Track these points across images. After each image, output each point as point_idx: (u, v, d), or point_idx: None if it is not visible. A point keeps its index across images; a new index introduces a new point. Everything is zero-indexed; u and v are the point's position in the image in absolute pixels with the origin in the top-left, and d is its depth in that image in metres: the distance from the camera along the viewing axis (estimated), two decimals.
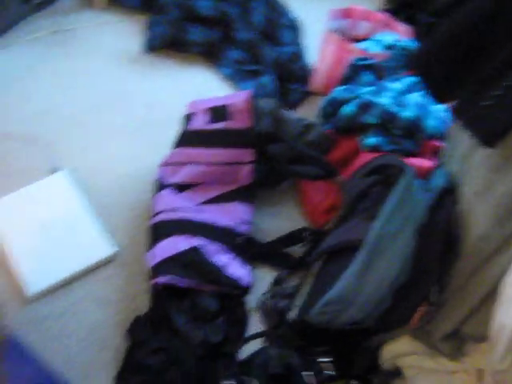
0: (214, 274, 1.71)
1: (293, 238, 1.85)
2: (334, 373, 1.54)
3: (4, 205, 1.96)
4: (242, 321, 1.71)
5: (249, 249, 1.80)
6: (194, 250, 1.73)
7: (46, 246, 1.88)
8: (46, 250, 1.87)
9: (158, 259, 1.72)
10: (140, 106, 2.34)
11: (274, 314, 1.67)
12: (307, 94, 2.40)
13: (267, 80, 2.32)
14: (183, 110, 2.07)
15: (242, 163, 1.84)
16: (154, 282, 1.69)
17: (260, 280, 1.84)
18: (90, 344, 1.75)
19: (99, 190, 2.09)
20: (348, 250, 1.55)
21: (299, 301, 1.61)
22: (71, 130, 2.25)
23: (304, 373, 1.53)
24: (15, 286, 1.83)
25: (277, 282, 1.78)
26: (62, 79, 2.40)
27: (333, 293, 1.47)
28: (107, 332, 1.78)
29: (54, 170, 2.10)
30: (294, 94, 2.35)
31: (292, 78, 2.39)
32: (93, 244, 1.88)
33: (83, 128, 2.25)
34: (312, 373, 1.53)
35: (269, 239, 1.90)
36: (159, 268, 1.70)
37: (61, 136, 2.23)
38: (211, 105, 1.95)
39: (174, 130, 2.06)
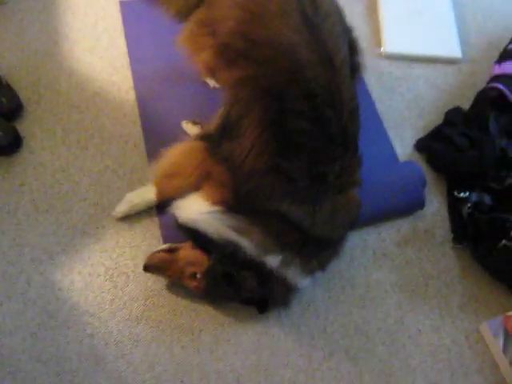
0: None
1: None
2: None
3: None
4: None
5: None
6: None
7: (410, 23, 2.24)
8: (409, 26, 2.24)
9: (503, 72, 1.94)
10: None
11: None
12: None
13: None
14: None
15: None
16: (492, 85, 1.93)
17: None
18: (411, 108, 2.09)
19: (468, 9, 2.39)
20: None
21: None
22: None
23: None
24: (377, 41, 2.24)
25: None
26: None
27: None
28: (425, 105, 2.11)
29: None
30: None
31: None
32: (446, 42, 2.19)
33: None
34: None
35: None
36: (499, 78, 1.93)
37: None
38: None
39: None
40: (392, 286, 1.68)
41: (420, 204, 1.75)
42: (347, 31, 1.58)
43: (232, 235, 1.44)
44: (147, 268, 1.54)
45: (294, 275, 1.50)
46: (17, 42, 2.02)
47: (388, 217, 1.77)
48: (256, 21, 1.43)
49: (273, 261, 1.44)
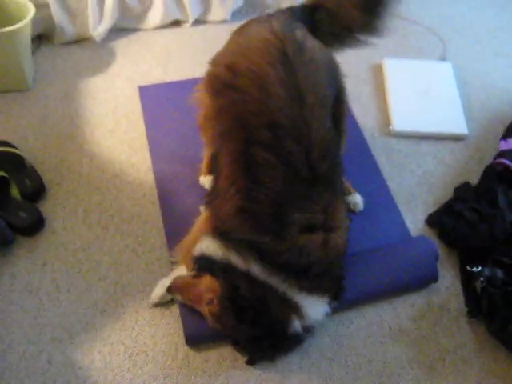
0: None
1: None
2: None
3: (396, 63, 2.51)
4: None
5: None
6: None
7: (417, 103, 2.35)
8: (416, 105, 2.34)
9: (509, 147, 2.02)
10: None
11: None
12: None
13: None
14: None
15: None
16: (498, 161, 2.00)
17: None
18: (421, 184, 2.16)
19: (472, 87, 2.50)
20: None
21: None
22: (464, 31, 2.71)
23: None
24: (385, 120, 2.34)
25: None
26: None
27: None
28: (434, 180, 2.19)
29: (442, 59, 2.50)
30: None
31: None
32: (452, 120, 2.27)
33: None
34: None
35: None
36: (505, 153, 2.00)
37: (453, 34, 2.70)
38: None
39: None
40: (409, 361, 1.68)
41: (433, 278, 1.78)
42: (336, 88, 1.67)
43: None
44: (170, 289, 1.61)
45: (294, 293, 1.52)
46: (40, 126, 2.13)
47: (402, 291, 1.78)
48: (242, 53, 1.56)
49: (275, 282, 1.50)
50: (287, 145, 1.46)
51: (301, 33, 1.60)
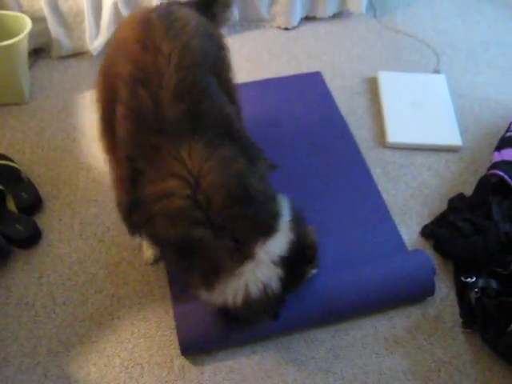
0: None
1: None
2: None
3: (390, 76, 2.53)
4: None
5: None
6: None
7: (411, 115, 2.37)
8: (410, 117, 2.36)
9: (502, 158, 2.03)
10: None
11: None
12: None
13: None
14: None
15: None
16: (492, 172, 2.01)
17: None
18: (416, 196, 2.17)
19: (466, 100, 2.52)
20: None
21: None
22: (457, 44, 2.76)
23: None
24: (380, 132, 2.36)
25: None
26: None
27: None
28: (429, 192, 2.19)
29: (436, 72, 2.53)
30: None
31: None
32: (447, 132, 2.29)
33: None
34: None
35: None
36: (499, 165, 2.02)
37: (446, 47, 2.75)
38: None
39: None
40: (405, 372, 1.69)
41: (430, 291, 1.79)
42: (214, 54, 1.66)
43: None
44: None
45: None
46: (37, 139, 2.14)
47: (399, 303, 1.79)
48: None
49: None
50: (139, 94, 1.44)
51: (176, 6, 1.62)
